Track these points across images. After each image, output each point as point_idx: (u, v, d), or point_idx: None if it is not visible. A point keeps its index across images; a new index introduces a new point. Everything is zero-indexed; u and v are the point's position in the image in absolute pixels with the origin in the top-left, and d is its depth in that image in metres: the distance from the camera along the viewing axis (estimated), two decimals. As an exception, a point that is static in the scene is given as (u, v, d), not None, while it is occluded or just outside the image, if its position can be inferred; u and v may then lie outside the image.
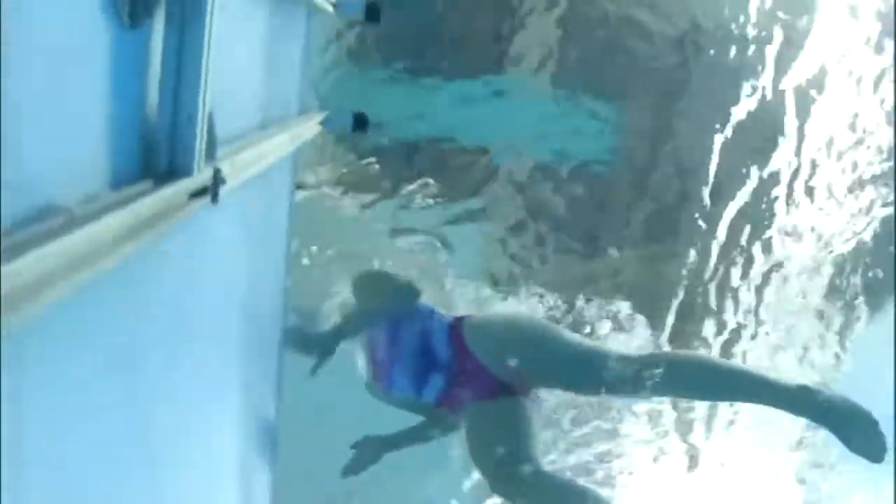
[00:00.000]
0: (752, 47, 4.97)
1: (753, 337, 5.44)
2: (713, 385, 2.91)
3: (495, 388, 3.03)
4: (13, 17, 0.78)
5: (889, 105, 5.26)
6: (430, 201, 4.69)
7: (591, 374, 2.90)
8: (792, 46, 5.02)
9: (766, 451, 5.47)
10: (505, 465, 2.89)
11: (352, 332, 3.19)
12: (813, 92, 5.13)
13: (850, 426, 2.73)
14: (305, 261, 3.74)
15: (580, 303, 4.27)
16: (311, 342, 3.15)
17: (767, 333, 5.48)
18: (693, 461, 5.55)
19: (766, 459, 5.54)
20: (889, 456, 2.73)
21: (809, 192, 5.29)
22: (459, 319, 3.17)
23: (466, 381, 3.06)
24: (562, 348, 2.99)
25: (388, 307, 3.19)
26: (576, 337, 3.12)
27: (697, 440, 5.48)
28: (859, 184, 5.39)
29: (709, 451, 5.52)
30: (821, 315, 5.59)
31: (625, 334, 4.18)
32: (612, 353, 2.96)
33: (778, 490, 5.68)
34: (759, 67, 5.03)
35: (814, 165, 5.25)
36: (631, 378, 2.87)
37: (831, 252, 5.50)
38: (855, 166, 5.38)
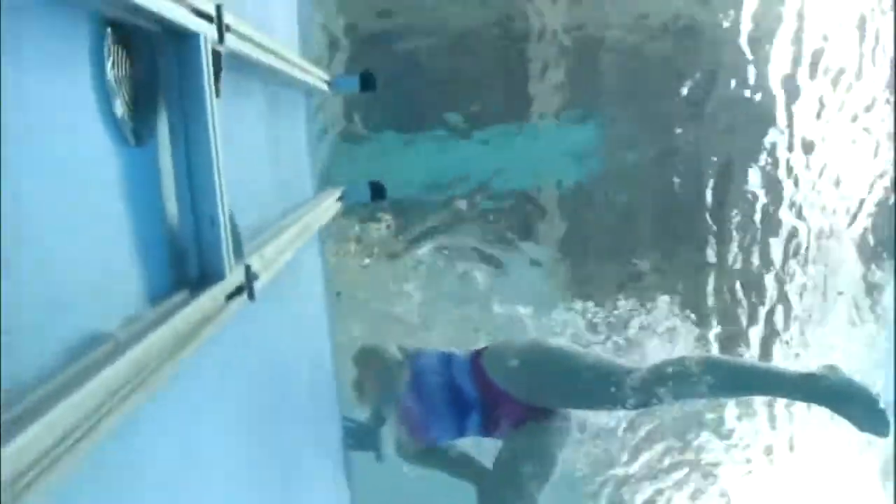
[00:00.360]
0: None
1: (785, 325, 5.36)
2: (723, 383, 2.95)
3: (522, 413, 3.05)
4: (15, 154, 0.79)
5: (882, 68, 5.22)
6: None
7: (607, 390, 2.94)
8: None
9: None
10: (494, 487, 2.98)
11: (387, 414, 3.24)
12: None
13: (854, 407, 2.80)
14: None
15: (619, 309, 4.22)
16: (360, 438, 3.28)
17: (797, 317, 5.38)
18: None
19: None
20: (892, 429, 2.79)
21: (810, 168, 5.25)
22: (478, 352, 3.17)
23: (497, 411, 3.09)
24: (576, 367, 3.01)
25: (390, 388, 3.23)
26: (589, 354, 3.13)
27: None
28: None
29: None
30: (851, 292, 5.49)
31: (667, 338, 4.12)
32: (625, 366, 2.99)
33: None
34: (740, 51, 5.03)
35: (802, 144, 5.21)
36: (646, 388, 2.90)
37: (851, 224, 5.42)
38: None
